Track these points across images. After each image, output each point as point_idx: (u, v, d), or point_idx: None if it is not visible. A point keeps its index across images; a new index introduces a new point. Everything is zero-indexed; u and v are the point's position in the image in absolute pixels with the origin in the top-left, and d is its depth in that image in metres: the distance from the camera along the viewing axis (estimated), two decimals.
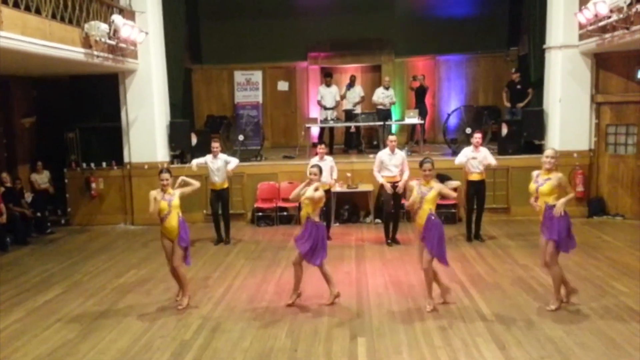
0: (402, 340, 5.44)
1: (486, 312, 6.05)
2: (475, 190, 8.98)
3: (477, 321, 5.82)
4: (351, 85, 13.00)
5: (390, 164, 8.86)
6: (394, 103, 12.85)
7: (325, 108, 12.58)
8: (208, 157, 9.35)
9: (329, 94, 12.72)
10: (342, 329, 5.76)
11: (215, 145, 9.38)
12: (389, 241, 9.07)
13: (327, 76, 12.96)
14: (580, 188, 10.44)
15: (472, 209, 9.11)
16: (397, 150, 8.90)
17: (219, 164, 9.25)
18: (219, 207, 9.42)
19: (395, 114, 13.21)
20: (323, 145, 9.55)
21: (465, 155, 8.87)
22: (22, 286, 7.59)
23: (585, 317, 5.82)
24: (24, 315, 6.47)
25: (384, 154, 8.92)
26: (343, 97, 12.95)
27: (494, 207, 10.46)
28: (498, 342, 5.31)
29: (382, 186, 8.96)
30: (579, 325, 5.63)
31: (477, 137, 8.85)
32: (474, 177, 8.90)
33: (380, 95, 12.61)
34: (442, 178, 10.73)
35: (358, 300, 6.54)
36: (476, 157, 8.80)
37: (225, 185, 9.44)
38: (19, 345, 5.65)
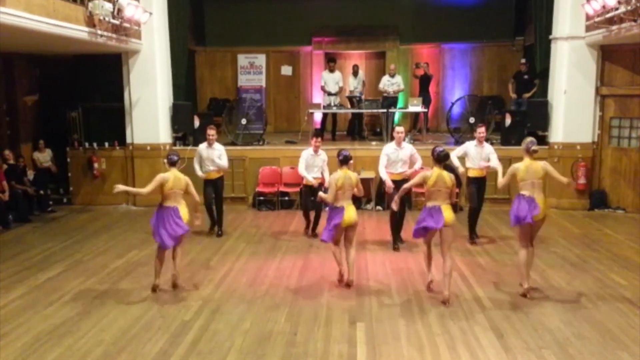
0: (400, 326, 5.48)
1: (485, 301, 6.09)
2: (478, 187, 8.31)
3: (475, 310, 5.86)
4: (355, 74, 12.95)
5: (398, 160, 7.85)
6: (401, 91, 12.69)
7: (329, 94, 12.52)
8: (202, 146, 8.75)
9: (332, 80, 12.65)
10: (341, 314, 5.80)
11: (211, 133, 8.65)
12: (397, 245, 8.09)
13: (331, 61, 12.88)
14: (582, 180, 10.45)
15: (477, 207, 8.38)
16: (404, 144, 7.95)
17: (214, 154, 8.66)
18: (213, 198, 8.84)
19: (398, 101, 13.16)
20: (319, 138, 8.74)
21: (462, 149, 8.25)
22: (23, 263, 7.63)
23: (583, 309, 5.86)
24: (26, 293, 6.52)
25: (389, 149, 7.87)
26: (351, 91, 12.85)
27: (495, 197, 10.46)
28: (496, 330, 5.35)
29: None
30: (577, 316, 5.66)
31: (481, 131, 8.21)
32: (475, 172, 8.22)
33: (386, 83, 12.54)
34: (448, 169, 10.76)
35: (358, 286, 6.56)
36: (480, 152, 8.12)
37: (221, 174, 8.90)
38: (21, 321, 5.69)
